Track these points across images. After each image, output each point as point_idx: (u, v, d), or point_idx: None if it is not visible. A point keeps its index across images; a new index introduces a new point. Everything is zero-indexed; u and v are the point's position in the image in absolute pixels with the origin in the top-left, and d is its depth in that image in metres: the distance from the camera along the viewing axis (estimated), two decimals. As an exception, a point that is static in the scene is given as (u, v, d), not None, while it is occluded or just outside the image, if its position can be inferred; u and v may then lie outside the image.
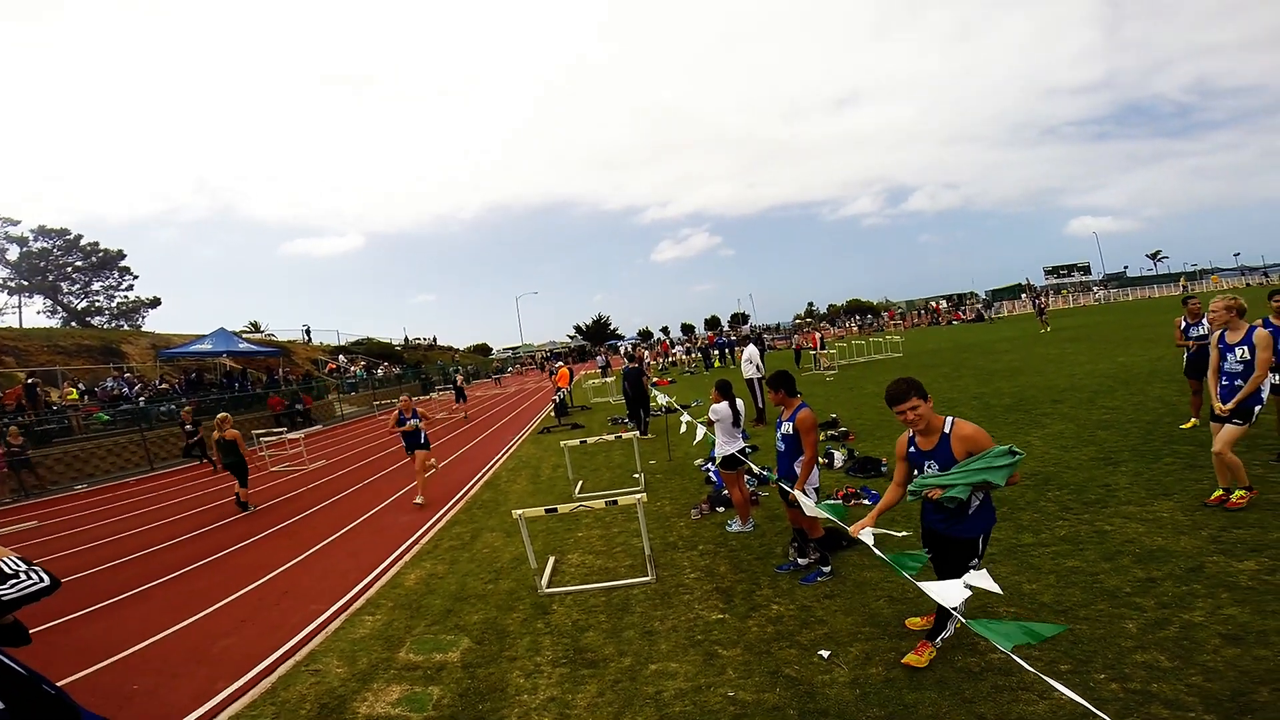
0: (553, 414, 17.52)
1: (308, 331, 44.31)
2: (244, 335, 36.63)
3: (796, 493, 4.39)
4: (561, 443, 9.09)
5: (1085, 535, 4.60)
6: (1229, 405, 4.63)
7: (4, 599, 1.94)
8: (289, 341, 41.13)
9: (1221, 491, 4.72)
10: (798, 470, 4.61)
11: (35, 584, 2.02)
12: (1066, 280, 72.71)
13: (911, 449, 3.33)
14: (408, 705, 3.67)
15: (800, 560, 4.85)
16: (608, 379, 24.06)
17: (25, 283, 38.64)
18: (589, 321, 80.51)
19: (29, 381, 17.79)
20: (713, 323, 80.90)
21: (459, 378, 27.02)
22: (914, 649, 3.35)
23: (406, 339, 58.83)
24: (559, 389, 18.63)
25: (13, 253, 38.03)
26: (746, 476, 7.06)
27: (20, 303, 38.61)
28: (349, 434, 20.93)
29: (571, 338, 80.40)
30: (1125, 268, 79.03)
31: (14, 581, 1.99)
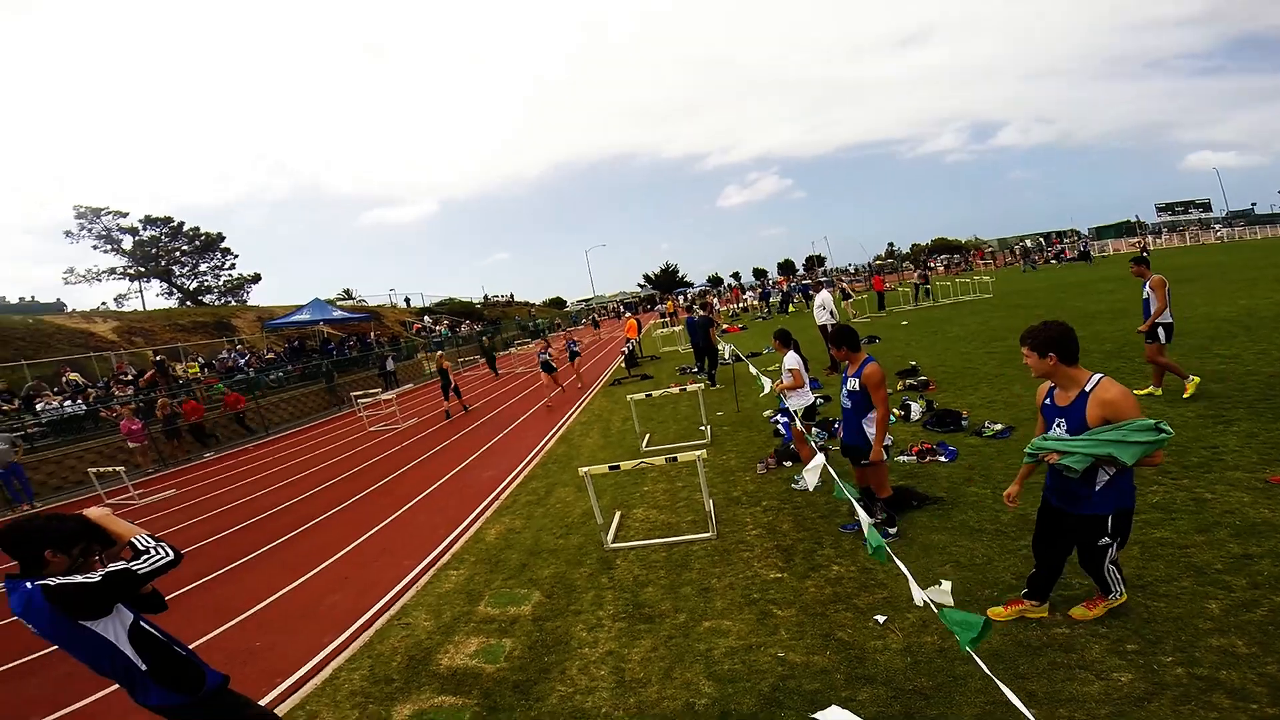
0: (623, 365, 17.82)
1: (407, 300, 46.95)
2: (337, 303, 39.08)
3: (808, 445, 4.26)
4: (628, 397, 9.24)
5: (1181, 503, 4.23)
6: None
7: (140, 573, 2.21)
8: (378, 306, 43.64)
9: None
10: (866, 428, 4.44)
11: (164, 558, 2.29)
12: (1182, 218, 64.86)
13: (1047, 400, 3.04)
14: (483, 657, 4.00)
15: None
16: (674, 328, 24.06)
17: (142, 269, 42.73)
18: (657, 270, 80.00)
19: (158, 359, 19.93)
20: (786, 267, 78.33)
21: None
22: (1085, 600, 3.21)
23: (485, 297, 60.87)
24: (628, 339, 18.83)
25: (127, 242, 41.93)
26: (815, 430, 6.97)
27: (140, 288, 43.01)
28: (438, 392, 22.12)
29: (641, 287, 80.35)
30: (1254, 204, 68.94)
31: (146, 557, 2.26)
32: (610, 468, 5.46)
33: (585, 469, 5.34)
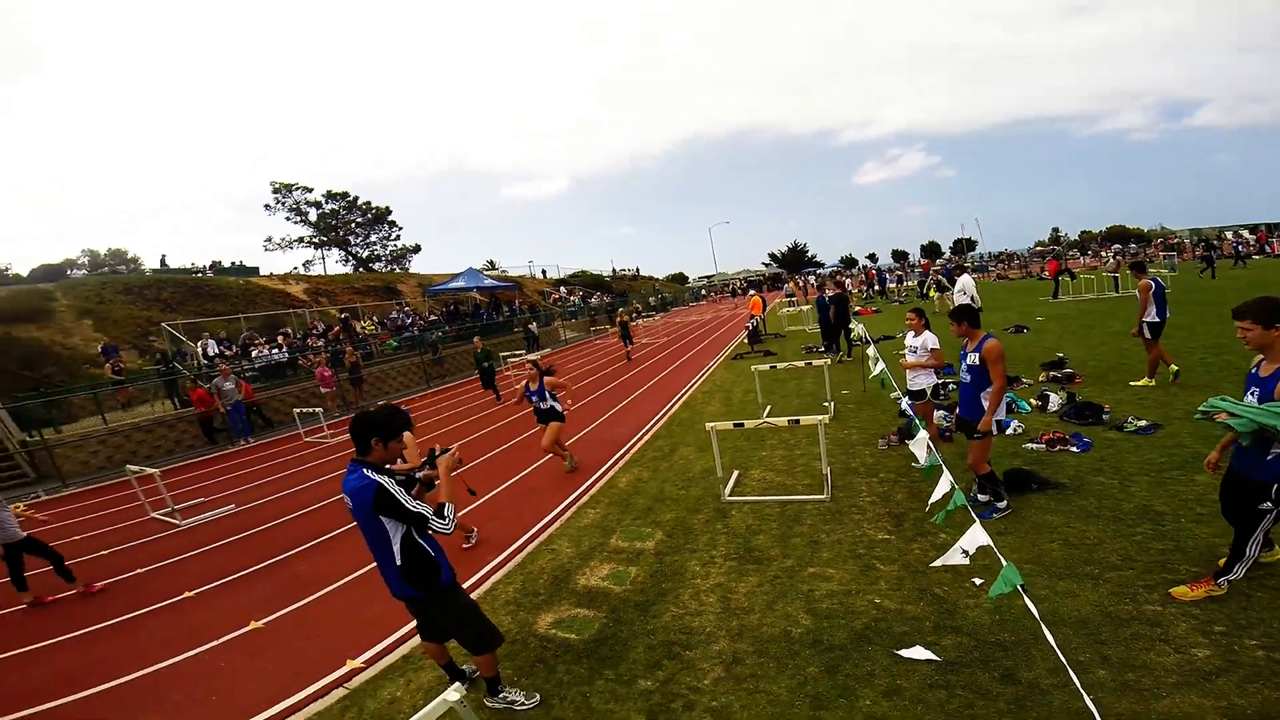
0: (746, 340, 18.05)
1: (543, 271, 50.29)
2: (485, 273, 42.50)
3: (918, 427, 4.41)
4: (752, 367, 9.61)
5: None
6: None
7: (430, 526, 2.86)
8: (519, 276, 46.87)
9: None
10: (984, 402, 4.59)
11: (447, 529, 2.88)
12: None
13: (1253, 370, 3.17)
14: (613, 580, 4.73)
15: (980, 496, 4.90)
16: (803, 307, 23.69)
17: (324, 239, 49.10)
18: (784, 249, 77.18)
19: (344, 316, 23.23)
20: (930, 249, 72.54)
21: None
22: (1190, 581, 3.33)
23: (614, 270, 62.89)
24: (753, 315, 18.99)
25: (312, 215, 48.32)
26: (939, 412, 6.99)
27: (323, 255, 49.56)
28: (572, 355, 23.81)
29: (766, 265, 78.22)
30: None
31: (441, 522, 2.87)
32: (735, 425, 5.95)
33: (711, 424, 5.93)
